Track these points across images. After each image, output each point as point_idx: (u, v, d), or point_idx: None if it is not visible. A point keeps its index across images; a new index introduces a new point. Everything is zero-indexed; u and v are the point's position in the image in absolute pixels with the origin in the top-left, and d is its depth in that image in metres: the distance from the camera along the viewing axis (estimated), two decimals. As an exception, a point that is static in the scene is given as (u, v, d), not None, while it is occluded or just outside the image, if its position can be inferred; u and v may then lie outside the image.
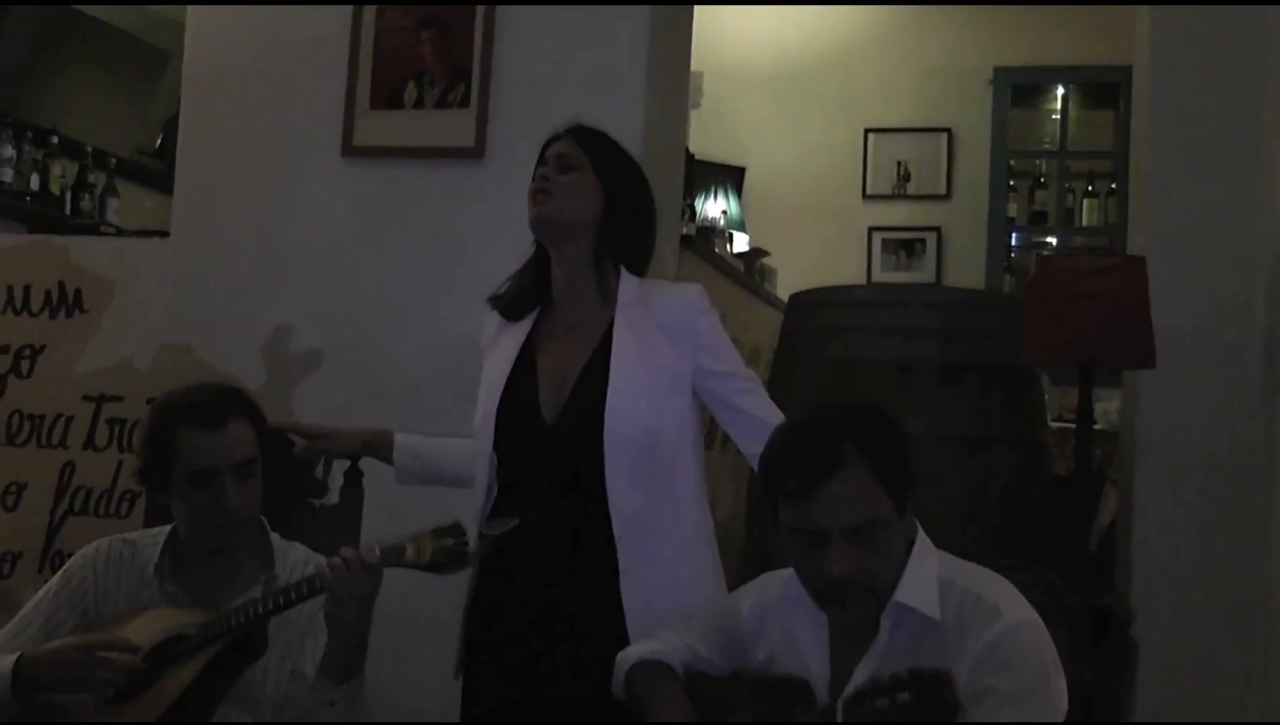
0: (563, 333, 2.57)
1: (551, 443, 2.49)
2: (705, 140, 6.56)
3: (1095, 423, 3.93)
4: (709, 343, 2.55)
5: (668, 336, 2.51)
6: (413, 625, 3.13)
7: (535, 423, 2.51)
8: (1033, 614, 2.00)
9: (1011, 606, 2.00)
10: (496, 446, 2.54)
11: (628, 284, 2.55)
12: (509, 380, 2.55)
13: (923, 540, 2.08)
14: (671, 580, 2.46)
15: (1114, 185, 7.10)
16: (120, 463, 3.90)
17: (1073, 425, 3.91)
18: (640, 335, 2.50)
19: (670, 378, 2.50)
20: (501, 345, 2.61)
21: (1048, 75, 7.37)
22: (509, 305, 2.63)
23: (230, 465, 2.41)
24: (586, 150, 2.56)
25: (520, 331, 2.60)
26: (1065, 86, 7.38)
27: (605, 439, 2.44)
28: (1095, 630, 3.33)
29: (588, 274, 2.55)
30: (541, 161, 2.57)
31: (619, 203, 2.55)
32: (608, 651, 2.34)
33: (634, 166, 2.63)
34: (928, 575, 2.04)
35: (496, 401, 2.54)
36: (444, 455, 2.75)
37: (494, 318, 2.66)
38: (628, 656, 2.28)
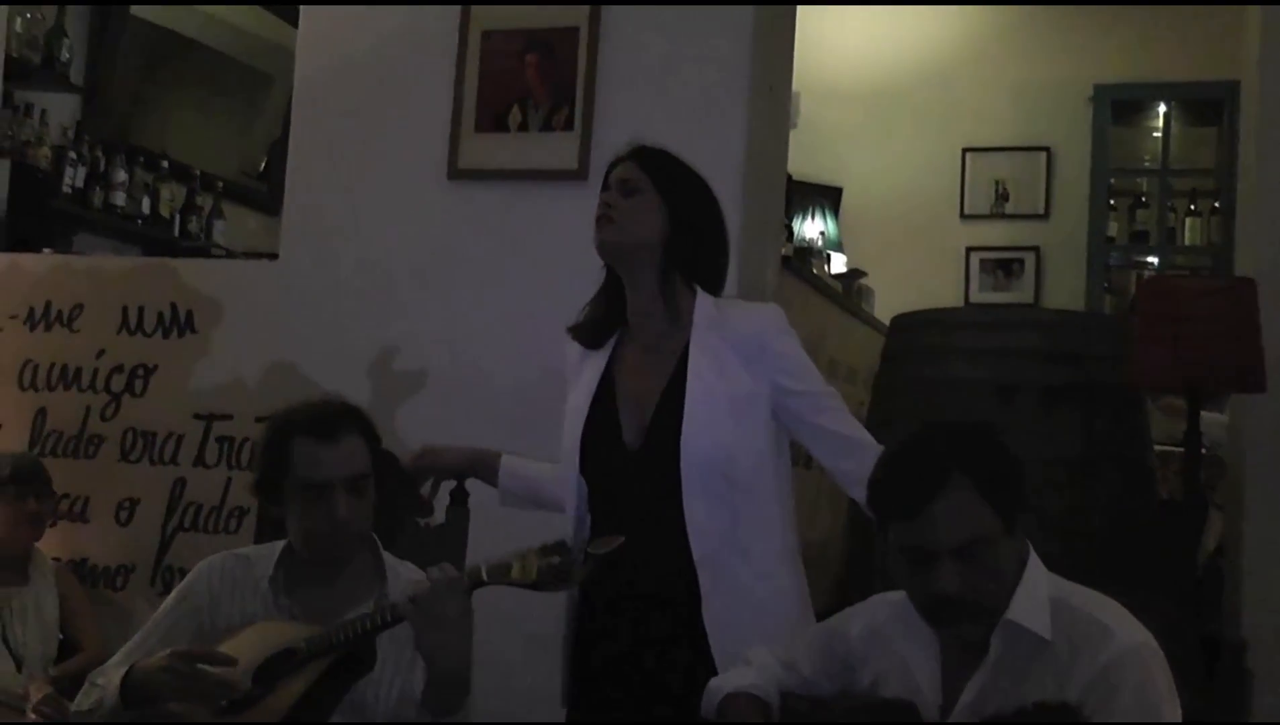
0: (641, 356, 2.57)
1: (634, 468, 2.50)
2: (802, 160, 6.55)
3: (1204, 446, 3.87)
4: (787, 363, 2.53)
5: (744, 357, 2.49)
6: (514, 642, 3.16)
7: (618, 448, 2.52)
8: (1147, 636, 1.98)
9: (1125, 629, 1.98)
10: (584, 472, 2.55)
11: (703, 304, 2.54)
12: (592, 407, 2.56)
13: (1035, 561, 2.07)
14: (754, 602, 2.45)
15: (1217, 204, 6.99)
16: (229, 479, 3.97)
17: (1174, 448, 3.86)
18: (716, 356, 2.49)
19: (747, 399, 2.49)
20: (584, 373, 2.62)
21: (1149, 92, 7.27)
22: (588, 333, 2.64)
23: (342, 478, 2.44)
24: (648, 172, 2.55)
25: (601, 358, 2.60)
26: (1167, 103, 7.27)
27: (682, 462, 2.44)
28: (1207, 659, 3.28)
29: (659, 296, 2.54)
30: (605, 186, 2.58)
31: (684, 222, 2.53)
32: (692, 674, 2.35)
33: (698, 183, 2.61)
34: (1040, 595, 2.02)
35: (580, 428, 2.55)
36: (549, 480, 2.75)
37: (575, 347, 2.66)
38: (722, 685, 2.26)
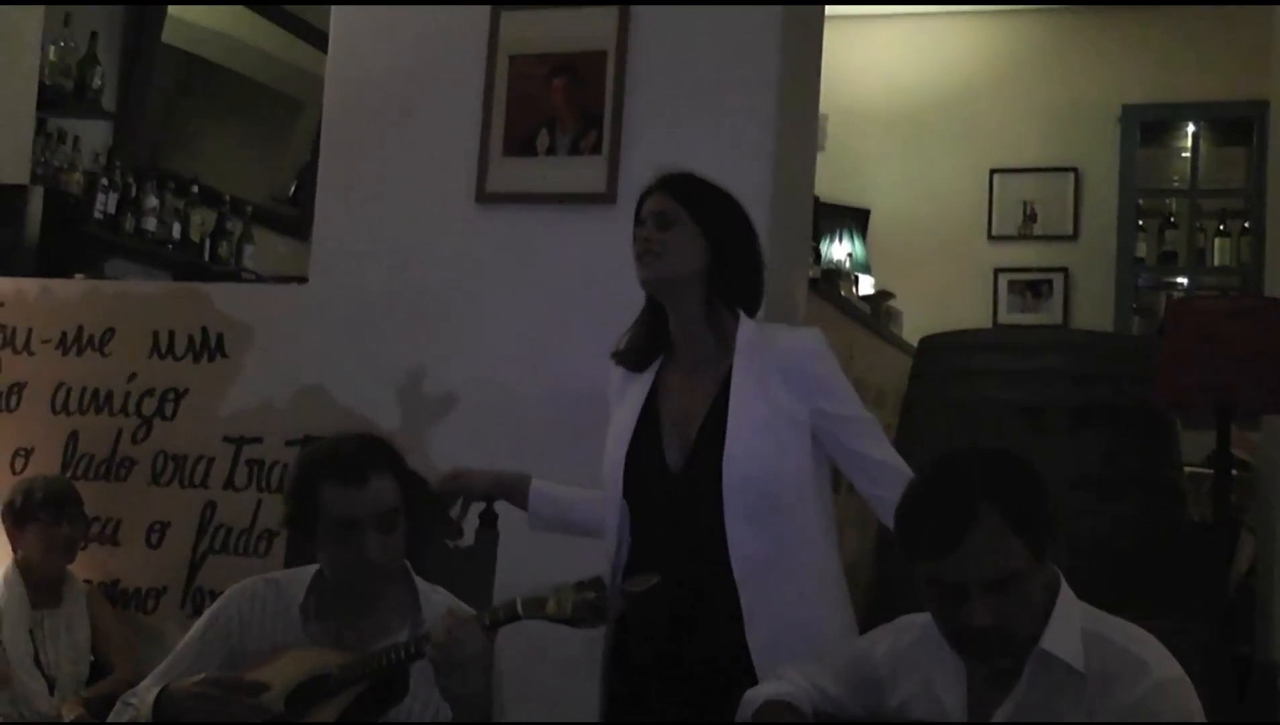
0: (684, 380, 2.59)
1: (677, 490, 2.52)
2: (830, 182, 6.55)
3: (1234, 468, 3.85)
4: (827, 386, 2.55)
5: (786, 380, 2.51)
6: (550, 665, 3.16)
7: (661, 471, 2.54)
8: (1180, 671, 1.97)
9: (1160, 662, 1.97)
10: (626, 496, 2.56)
11: (745, 328, 2.56)
12: (635, 430, 2.58)
13: (1066, 590, 2.06)
14: (797, 623, 2.46)
15: (1246, 224, 6.96)
16: (259, 502, 3.98)
17: (1205, 469, 3.85)
18: (758, 380, 2.50)
19: (789, 421, 2.50)
20: (628, 396, 2.64)
21: (1177, 112, 7.24)
22: (632, 357, 2.66)
23: (372, 517, 2.44)
24: (682, 202, 2.56)
25: (645, 381, 2.63)
26: (1195, 123, 7.24)
27: (724, 484, 2.45)
28: (1239, 681, 3.26)
29: (703, 322, 2.57)
30: (639, 220, 2.59)
31: (724, 248, 2.56)
32: (735, 695, 2.34)
33: (732, 205, 2.62)
34: (1073, 625, 2.01)
35: (624, 451, 2.57)
36: (578, 504, 2.77)
37: (619, 371, 2.69)
38: (756, 695, 2.28)
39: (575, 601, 2.17)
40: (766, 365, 2.52)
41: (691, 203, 2.57)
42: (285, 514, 2.56)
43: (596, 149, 3.76)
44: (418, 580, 2.57)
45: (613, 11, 3.78)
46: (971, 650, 2.02)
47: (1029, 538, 1.98)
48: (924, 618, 2.15)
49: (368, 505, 2.44)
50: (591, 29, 3.80)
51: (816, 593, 2.53)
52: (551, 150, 3.81)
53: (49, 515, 3.83)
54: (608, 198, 3.72)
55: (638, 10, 3.77)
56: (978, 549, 1.95)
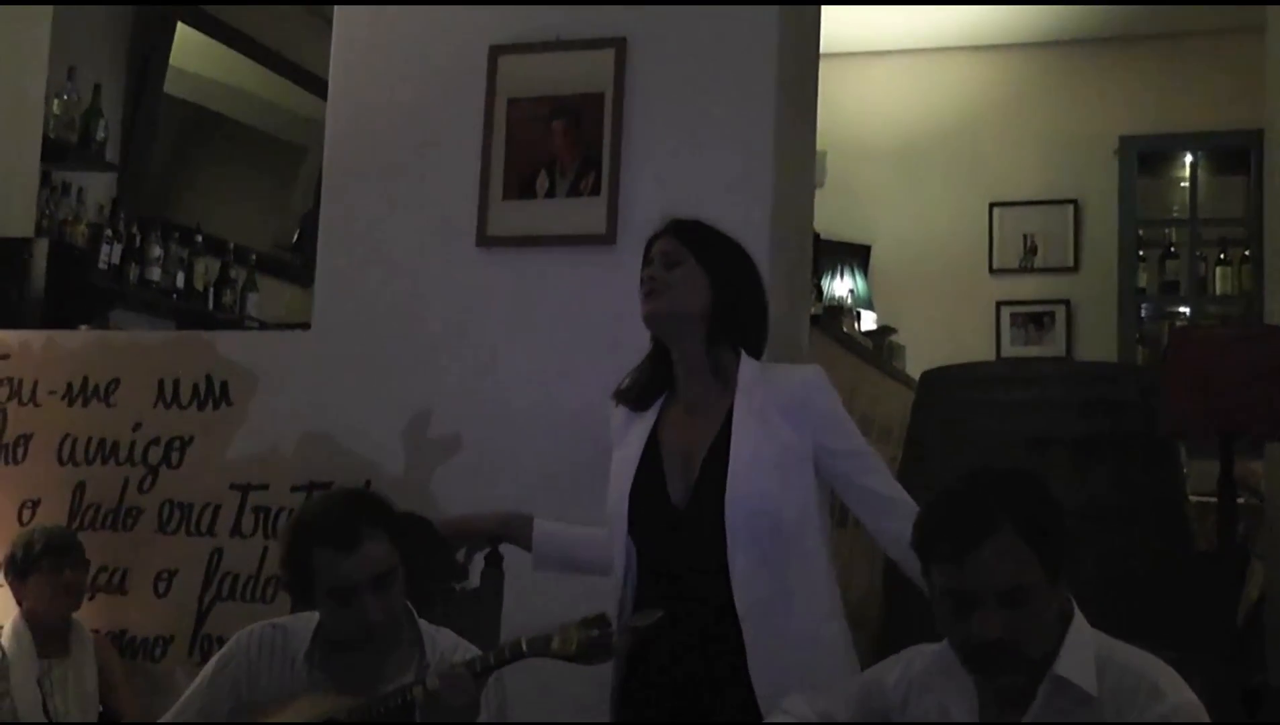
0: (686, 418, 2.62)
1: (680, 525, 2.54)
2: (830, 219, 6.58)
3: (1239, 496, 3.85)
4: (829, 422, 2.58)
5: (788, 417, 2.54)
6: (560, 704, 3.16)
7: (664, 507, 2.56)
8: (1194, 697, 1.98)
9: (1173, 688, 1.98)
10: (630, 532, 2.58)
11: (747, 367, 2.59)
12: (639, 467, 2.61)
13: (1079, 616, 2.08)
14: (800, 658, 2.47)
15: (1247, 252, 6.98)
16: (265, 548, 3.98)
17: (1212, 498, 3.84)
18: (760, 416, 2.53)
19: (791, 458, 2.53)
20: (630, 435, 2.67)
21: (1175, 142, 7.28)
22: (634, 396, 2.69)
23: (368, 580, 2.44)
24: (687, 244, 2.61)
25: (647, 420, 2.66)
26: (1193, 153, 7.29)
27: (726, 520, 2.47)
28: (1249, 711, 3.25)
29: (704, 361, 2.60)
30: (647, 260, 2.64)
31: (726, 290, 2.60)
32: None
33: (737, 251, 2.68)
34: (1086, 650, 2.03)
35: (628, 488, 2.60)
36: (582, 543, 2.79)
37: (620, 411, 2.72)
38: None
39: (580, 639, 2.18)
40: (768, 402, 2.54)
41: (697, 245, 2.62)
42: (283, 579, 2.57)
43: (596, 190, 3.78)
44: (422, 623, 2.58)
45: (609, 54, 3.80)
46: (981, 664, 2.03)
47: (1044, 555, 2.01)
48: (935, 646, 2.17)
49: (362, 570, 2.43)
50: (589, 71, 3.83)
51: (819, 627, 2.54)
52: (551, 192, 3.83)
53: (50, 563, 3.84)
54: (607, 238, 3.74)
55: (634, 52, 3.80)
56: (992, 558, 1.98)
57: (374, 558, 2.45)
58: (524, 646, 2.23)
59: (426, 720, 2.24)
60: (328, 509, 2.54)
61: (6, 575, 3.91)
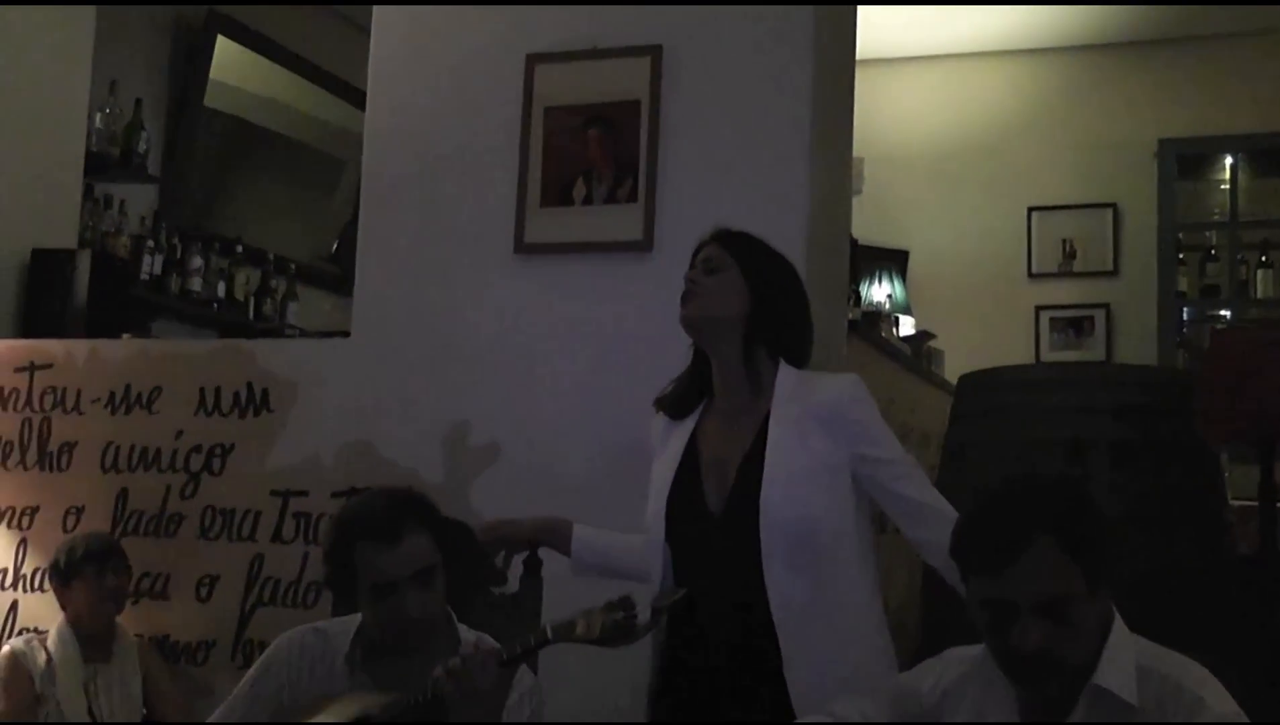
0: (723, 426, 2.63)
1: (716, 533, 2.55)
2: (868, 225, 6.58)
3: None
4: (866, 431, 2.58)
5: (824, 426, 2.54)
6: (596, 711, 3.17)
7: (701, 514, 2.57)
8: (1237, 708, 1.96)
9: (1216, 699, 1.96)
10: (668, 538, 2.59)
11: (785, 376, 2.60)
12: (677, 475, 2.62)
13: (1120, 624, 2.06)
14: (836, 667, 2.47)
15: (1289, 254, 6.93)
16: (306, 554, 4.01)
17: (1254, 502, 3.81)
18: (796, 425, 2.54)
19: (827, 466, 2.53)
20: (670, 443, 2.69)
21: (1215, 145, 7.24)
22: (673, 404, 2.71)
23: (409, 576, 2.46)
24: (731, 252, 2.63)
25: (686, 428, 2.67)
26: (1233, 155, 7.24)
27: (761, 528, 2.48)
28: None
29: (740, 368, 2.61)
30: (691, 266, 2.66)
31: (766, 298, 2.61)
32: None
33: (780, 262, 2.69)
34: (1126, 659, 2.01)
35: (666, 495, 2.61)
36: (621, 549, 2.80)
37: (661, 418, 2.74)
38: None
39: (605, 622, 2.18)
40: (804, 411, 2.55)
41: (739, 253, 2.64)
42: (324, 575, 2.59)
43: (632, 197, 3.79)
44: (461, 627, 2.59)
45: (645, 62, 3.82)
46: (1021, 674, 2.02)
47: (1084, 565, 1.99)
48: (974, 650, 2.16)
49: (404, 564, 2.46)
50: (625, 79, 3.85)
51: (857, 636, 2.54)
52: (588, 200, 3.85)
53: (93, 569, 3.88)
54: (644, 245, 3.75)
55: (670, 60, 3.82)
56: (1032, 569, 1.97)
57: (416, 553, 2.47)
58: (549, 633, 2.24)
59: (452, 704, 2.24)
60: (371, 504, 2.57)
61: (51, 581, 3.95)
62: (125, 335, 4.73)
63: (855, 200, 4.35)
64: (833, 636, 2.49)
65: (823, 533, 2.51)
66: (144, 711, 3.95)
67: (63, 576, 3.91)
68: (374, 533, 2.47)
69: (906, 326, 6.61)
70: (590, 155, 3.86)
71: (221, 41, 6.29)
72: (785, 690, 2.45)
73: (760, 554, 2.48)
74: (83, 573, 3.88)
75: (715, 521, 2.55)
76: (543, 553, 2.88)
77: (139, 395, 4.29)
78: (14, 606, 4.29)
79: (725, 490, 2.56)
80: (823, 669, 2.46)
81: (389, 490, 2.69)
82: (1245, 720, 1.95)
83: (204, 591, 4.13)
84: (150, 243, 5.58)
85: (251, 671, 2.64)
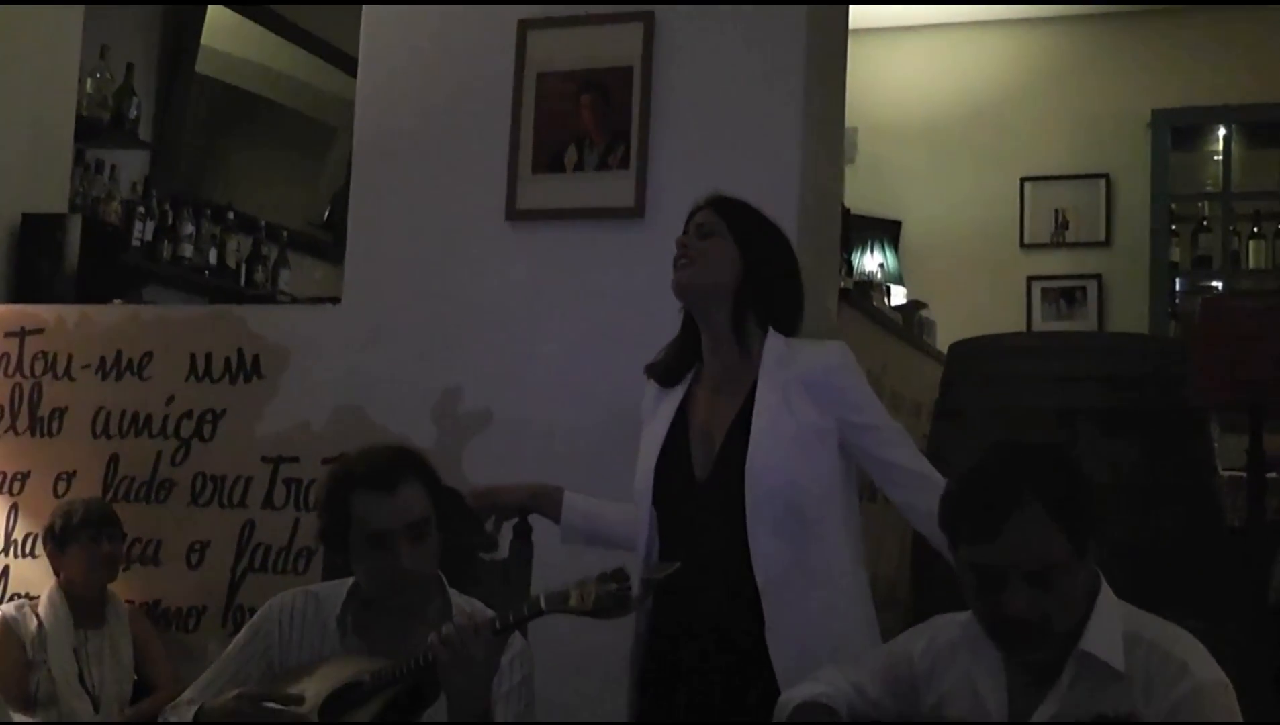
0: (712, 393, 2.64)
1: (702, 499, 2.56)
2: (860, 195, 6.57)
3: (1270, 470, 3.82)
4: (852, 398, 2.58)
5: (811, 393, 2.54)
6: (580, 678, 3.18)
7: (688, 481, 2.58)
8: (1222, 674, 1.97)
9: (1201, 665, 1.97)
10: (655, 505, 2.60)
11: (774, 343, 2.60)
12: (665, 441, 2.63)
13: (1107, 590, 2.07)
14: (819, 635, 2.48)
15: (1281, 226, 6.92)
16: (297, 521, 4.02)
17: (1245, 473, 3.82)
18: (782, 393, 2.54)
19: (813, 434, 2.53)
20: (659, 409, 2.69)
21: (1208, 116, 7.21)
22: (664, 372, 2.71)
23: (403, 526, 2.47)
24: (724, 217, 2.63)
25: (676, 395, 2.68)
26: (1226, 126, 7.22)
27: (747, 494, 2.49)
28: (1278, 691, 3.23)
29: (730, 335, 2.61)
30: (684, 231, 2.66)
31: (757, 265, 2.61)
32: (758, 704, 2.39)
33: (772, 230, 2.69)
34: (1113, 626, 2.02)
35: (654, 462, 2.62)
36: (611, 517, 2.80)
37: (652, 386, 2.74)
38: (792, 696, 2.29)
39: (598, 593, 2.18)
40: (791, 379, 2.55)
41: (732, 219, 2.64)
42: (318, 527, 2.60)
43: (624, 164, 3.79)
44: (452, 592, 2.60)
45: (638, 28, 3.81)
46: (1007, 640, 2.03)
47: (1071, 531, 2.00)
48: (962, 616, 2.17)
49: (399, 514, 2.47)
50: (617, 46, 3.84)
51: (840, 604, 2.55)
52: (580, 166, 3.84)
53: (89, 535, 3.89)
54: (636, 212, 3.75)
55: (663, 26, 3.81)
56: (1019, 536, 1.97)
57: (410, 503, 2.49)
58: (542, 603, 2.24)
59: (443, 671, 2.25)
60: (368, 455, 2.59)
61: (46, 545, 3.96)
62: (116, 301, 4.72)
63: (848, 169, 4.35)
64: (816, 605, 2.50)
65: (808, 499, 2.51)
66: (135, 677, 3.96)
67: (58, 541, 3.91)
68: (370, 482, 2.49)
69: (898, 296, 6.60)
70: (582, 122, 3.85)
71: (213, 7, 6.25)
72: (768, 657, 2.46)
73: (744, 521, 2.48)
74: (79, 538, 3.89)
75: (701, 488, 2.56)
76: (532, 519, 2.88)
77: (130, 361, 4.29)
78: (5, 572, 4.30)
79: (711, 457, 2.57)
80: (805, 636, 2.47)
81: (385, 444, 2.72)
82: (1230, 687, 1.96)
83: (194, 557, 4.14)
84: (141, 209, 5.56)
85: (241, 634, 2.65)
